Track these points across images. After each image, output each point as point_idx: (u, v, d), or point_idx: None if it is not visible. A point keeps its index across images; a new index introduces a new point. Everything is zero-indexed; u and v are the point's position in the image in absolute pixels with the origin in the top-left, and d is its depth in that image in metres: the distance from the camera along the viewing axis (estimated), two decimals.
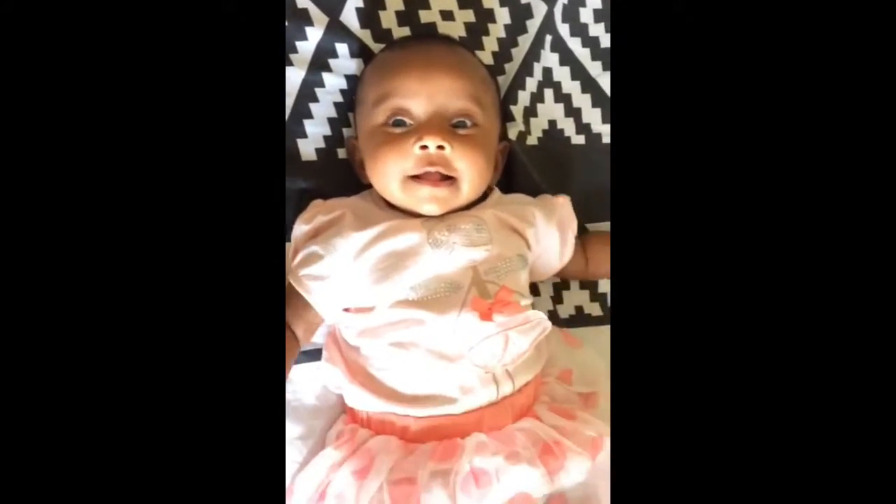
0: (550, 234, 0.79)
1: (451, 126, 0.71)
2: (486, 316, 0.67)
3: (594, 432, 0.69)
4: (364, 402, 0.70)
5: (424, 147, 0.68)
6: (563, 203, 0.81)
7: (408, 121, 0.71)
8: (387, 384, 0.69)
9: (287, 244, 0.75)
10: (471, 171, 0.71)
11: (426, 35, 0.83)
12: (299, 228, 0.74)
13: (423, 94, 0.70)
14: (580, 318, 0.87)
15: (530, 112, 0.88)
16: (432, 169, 0.69)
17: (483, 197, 0.77)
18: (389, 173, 0.70)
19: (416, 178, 0.70)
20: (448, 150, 0.68)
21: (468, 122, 0.72)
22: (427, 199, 0.70)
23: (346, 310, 0.73)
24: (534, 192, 0.83)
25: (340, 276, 0.71)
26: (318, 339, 0.77)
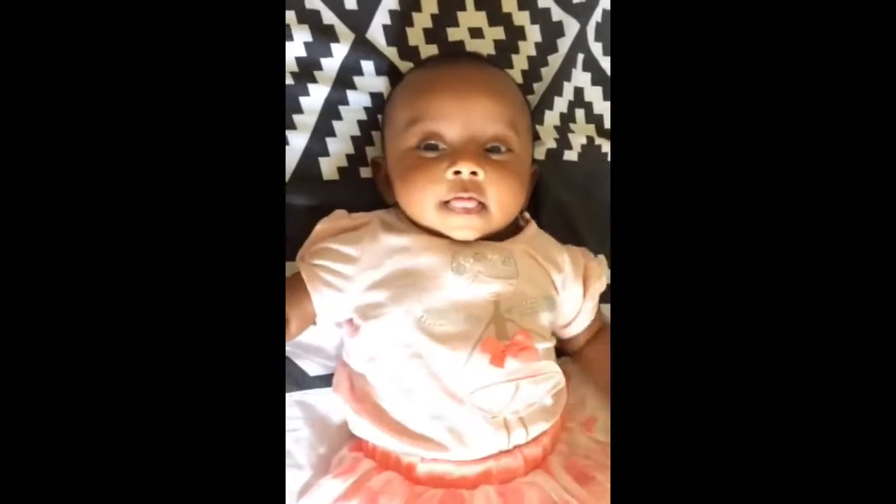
0: (575, 289, 0.75)
1: (485, 151, 0.68)
2: (497, 360, 0.64)
3: None
4: (370, 433, 0.67)
5: (458, 173, 0.66)
6: (596, 264, 0.76)
7: (441, 145, 0.68)
8: (394, 417, 0.65)
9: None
10: (504, 197, 0.68)
11: (458, 54, 0.81)
12: (321, 226, 0.71)
13: (457, 118, 0.67)
14: None
15: (563, 130, 0.86)
16: (465, 195, 0.66)
17: (518, 230, 0.74)
18: (422, 199, 0.68)
19: (448, 204, 0.67)
20: (481, 176, 0.66)
21: (503, 148, 0.69)
22: (460, 227, 0.68)
23: (356, 329, 0.69)
24: (560, 211, 0.81)
25: (355, 280, 0.68)
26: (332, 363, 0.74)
